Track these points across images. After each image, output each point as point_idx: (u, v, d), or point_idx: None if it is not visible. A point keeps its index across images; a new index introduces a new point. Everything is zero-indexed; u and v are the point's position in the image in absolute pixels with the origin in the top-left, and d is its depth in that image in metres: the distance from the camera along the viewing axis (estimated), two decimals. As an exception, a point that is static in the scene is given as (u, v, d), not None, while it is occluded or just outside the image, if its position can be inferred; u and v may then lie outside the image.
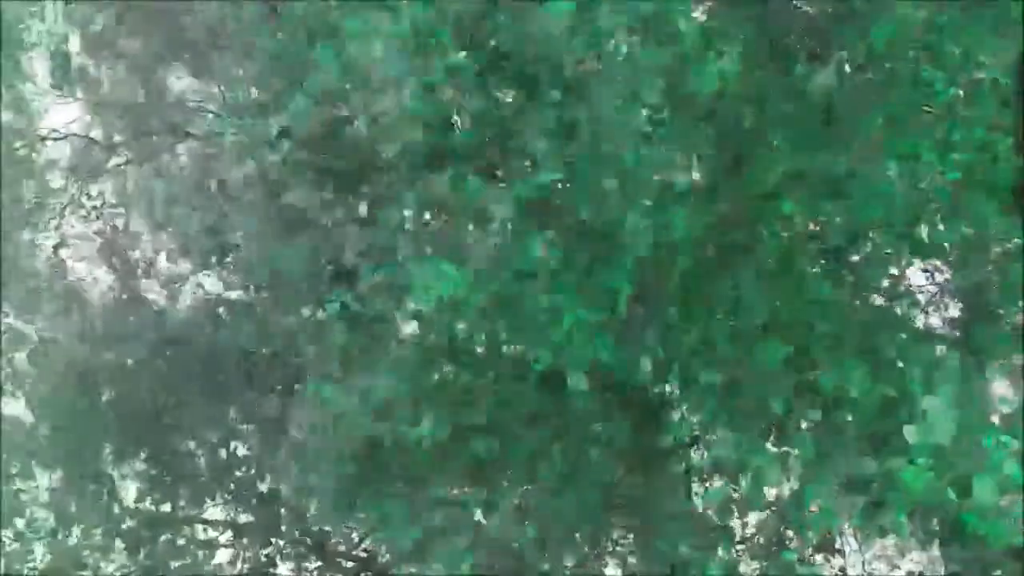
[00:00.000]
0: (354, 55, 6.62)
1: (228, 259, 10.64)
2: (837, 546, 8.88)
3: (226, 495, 12.83)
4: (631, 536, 8.71)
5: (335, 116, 7.56)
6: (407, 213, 6.82)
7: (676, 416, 7.05)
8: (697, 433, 7.42)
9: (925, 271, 8.17)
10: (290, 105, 7.17)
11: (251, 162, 7.53)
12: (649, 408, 7.34)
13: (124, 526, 12.42)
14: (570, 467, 7.46)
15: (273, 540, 12.78)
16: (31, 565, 11.98)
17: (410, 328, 6.79)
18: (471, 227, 6.48)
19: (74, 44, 12.38)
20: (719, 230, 6.17)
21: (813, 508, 5.81)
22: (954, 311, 8.13)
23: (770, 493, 7.27)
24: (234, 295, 11.79)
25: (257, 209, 7.63)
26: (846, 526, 7.79)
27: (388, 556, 11.56)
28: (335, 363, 7.30)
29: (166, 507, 12.65)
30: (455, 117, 6.78)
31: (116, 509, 12.51)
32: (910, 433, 5.18)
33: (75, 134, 12.69)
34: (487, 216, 6.44)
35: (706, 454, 7.54)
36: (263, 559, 12.74)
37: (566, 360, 6.14)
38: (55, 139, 12.72)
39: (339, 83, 6.88)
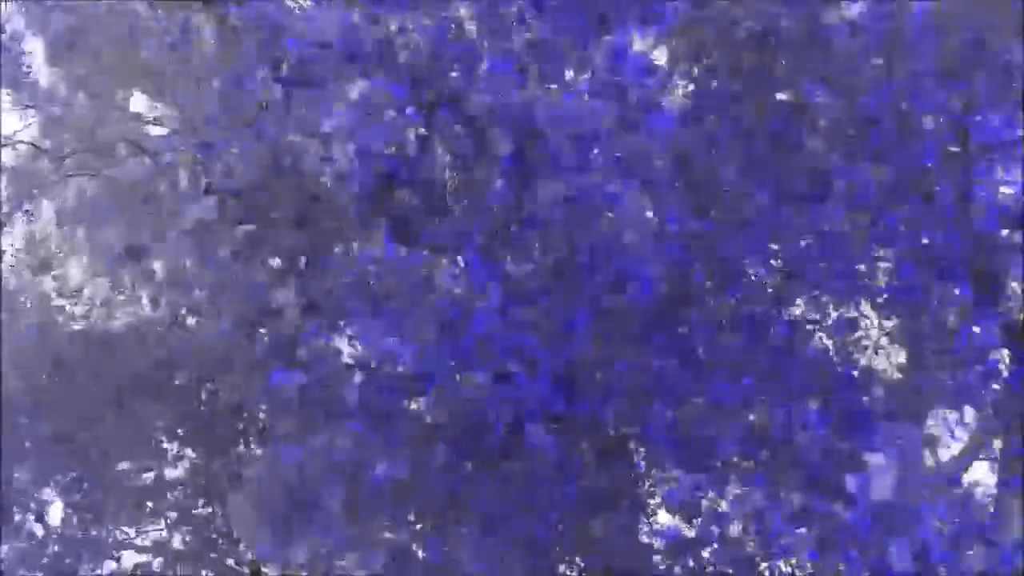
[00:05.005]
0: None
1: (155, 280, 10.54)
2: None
3: (157, 520, 12.58)
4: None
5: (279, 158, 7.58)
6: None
7: (632, 456, 7.10)
8: (650, 473, 7.47)
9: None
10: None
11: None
12: (605, 448, 7.38)
13: (49, 551, 12.08)
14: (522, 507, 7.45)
15: (205, 568, 12.53)
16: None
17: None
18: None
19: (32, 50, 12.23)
20: (679, 270, 6.29)
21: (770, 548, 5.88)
22: (899, 357, 8.32)
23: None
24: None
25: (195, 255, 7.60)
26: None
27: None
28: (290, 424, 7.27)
29: (94, 531, 12.32)
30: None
31: (40, 532, 12.18)
32: (852, 484, 5.29)
33: (22, 141, 12.45)
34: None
35: (657, 493, 7.58)
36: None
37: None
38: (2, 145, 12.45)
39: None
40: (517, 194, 6.62)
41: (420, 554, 8.14)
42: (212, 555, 12.40)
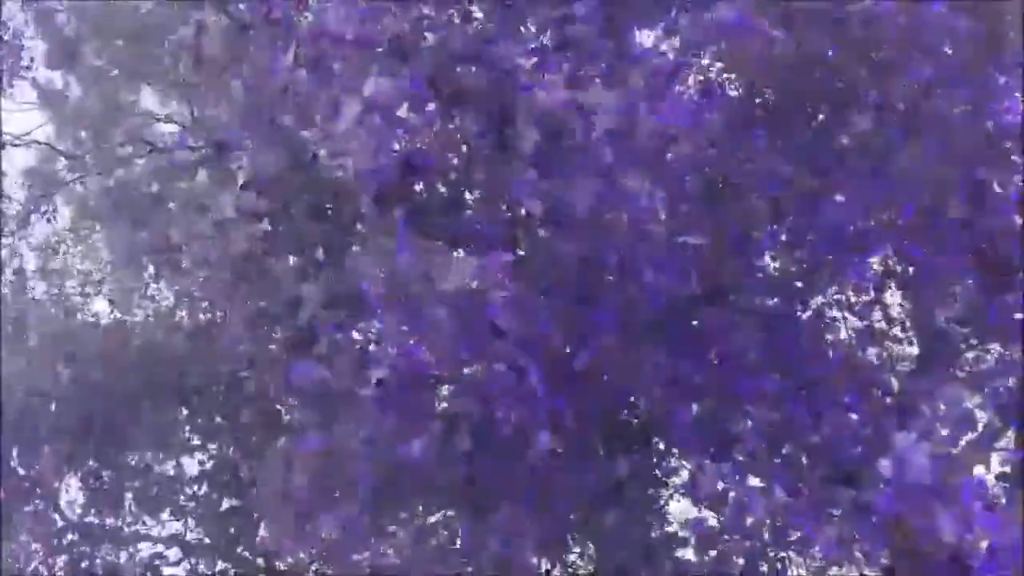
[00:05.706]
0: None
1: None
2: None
3: (175, 511, 12.67)
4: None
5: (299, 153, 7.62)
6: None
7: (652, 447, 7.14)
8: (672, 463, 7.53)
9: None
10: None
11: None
12: (624, 439, 7.44)
13: (66, 539, 12.17)
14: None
15: (222, 559, 12.61)
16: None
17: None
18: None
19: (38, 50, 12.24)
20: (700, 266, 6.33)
21: (792, 537, 5.93)
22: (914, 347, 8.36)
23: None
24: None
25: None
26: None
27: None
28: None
29: (111, 520, 12.42)
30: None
31: (59, 521, 12.28)
32: (885, 468, 5.31)
33: (37, 141, 12.49)
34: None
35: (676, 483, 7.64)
36: (212, 577, 12.55)
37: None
38: (15, 145, 12.50)
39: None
40: (537, 189, 6.64)
41: (438, 541, 8.21)
42: (229, 546, 12.49)
